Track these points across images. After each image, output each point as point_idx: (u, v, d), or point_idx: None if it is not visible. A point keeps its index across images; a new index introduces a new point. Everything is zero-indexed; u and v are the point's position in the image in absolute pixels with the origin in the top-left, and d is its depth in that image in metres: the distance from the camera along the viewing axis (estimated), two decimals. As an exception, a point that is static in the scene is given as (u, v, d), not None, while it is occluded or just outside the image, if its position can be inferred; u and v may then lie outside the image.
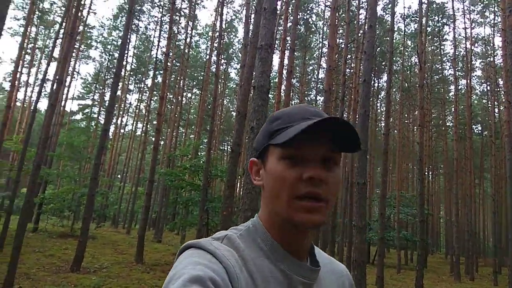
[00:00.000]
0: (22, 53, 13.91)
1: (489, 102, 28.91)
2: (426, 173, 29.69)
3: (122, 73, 33.65)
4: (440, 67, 30.39)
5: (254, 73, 4.78)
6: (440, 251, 43.39)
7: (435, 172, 39.04)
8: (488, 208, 38.20)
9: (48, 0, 27.97)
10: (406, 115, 32.28)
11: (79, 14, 19.93)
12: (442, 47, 30.73)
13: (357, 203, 7.41)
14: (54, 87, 9.31)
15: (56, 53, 20.04)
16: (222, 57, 31.45)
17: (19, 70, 28.76)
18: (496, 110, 27.82)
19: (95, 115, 33.72)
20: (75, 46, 27.98)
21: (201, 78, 34.08)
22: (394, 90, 33.27)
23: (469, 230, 19.97)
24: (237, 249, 0.68)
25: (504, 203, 25.15)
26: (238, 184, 19.84)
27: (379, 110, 33.27)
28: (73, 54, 28.43)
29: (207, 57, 30.62)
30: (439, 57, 30.13)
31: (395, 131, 29.97)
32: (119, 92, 34.68)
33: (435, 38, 29.16)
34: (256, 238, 0.72)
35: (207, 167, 8.69)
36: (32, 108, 14.08)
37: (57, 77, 9.01)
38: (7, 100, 12.99)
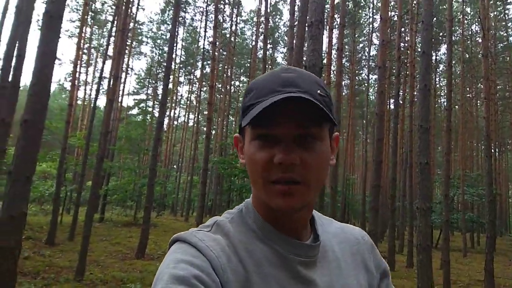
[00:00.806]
0: (79, 53, 14.60)
1: None
2: (492, 150, 27.63)
3: (172, 66, 34.61)
4: (505, 34, 27.86)
5: (304, 53, 4.56)
6: (510, 233, 40.52)
7: (502, 149, 36.25)
8: None
9: (100, 0, 29.17)
10: (468, 89, 30.09)
11: (129, 11, 20.61)
12: (507, 11, 28.08)
13: (420, 185, 6.99)
14: (111, 84, 9.68)
15: (110, 51, 20.93)
16: (268, 41, 31.19)
17: (78, 70, 30.62)
18: None
19: (150, 109, 35.01)
20: (127, 42, 29.11)
21: (248, 65, 34.07)
22: (454, 62, 31.16)
23: (546, 209, 18.32)
24: (226, 235, 0.65)
25: None
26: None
27: (438, 85, 31.37)
28: (126, 51, 29.59)
29: (253, 43, 30.50)
30: (504, 23, 27.60)
31: (457, 106, 28.10)
32: (170, 85, 35.75)
33: (498, 2, 26.69)
34: (247, 220, 0.68)
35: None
36: (92, 105, 14.84)
37: (113, 73, 9.34)
38: (69, 99, 13.78)
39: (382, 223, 22.22)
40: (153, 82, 37.18)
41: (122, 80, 27.32)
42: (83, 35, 24.72)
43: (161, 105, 10.27)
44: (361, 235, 0.80)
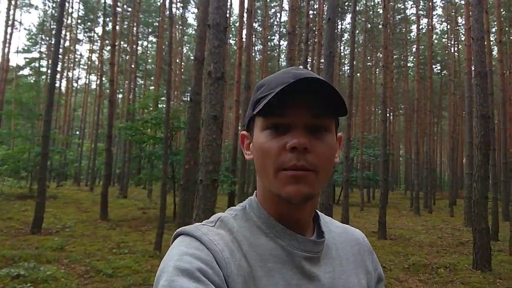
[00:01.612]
0: None
1: (449, 41, 29.31)
2: (387, 114, 30.46)
3: (69, 21, 31.09)
4: (403, 6, 30.13)
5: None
6: (400, 187, 45.95)
7: (396, 113, 40.22)
8: (446, 144, 40.24)
9: None
10: (369, 58, 32.29)
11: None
12: (404, -16, 30.28)
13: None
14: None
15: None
16: None
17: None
18: (455, 48, 28.33)
19: (44, 69, 31.38)
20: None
21: (157, 24, 32.09)
22: (357, 31, 33.01)
23: (428, 167, 20.94)
24: (230, 231, 0.65)
25: (460, 139, 26.46)
26: (201, 136, 19.44)
27: (342, 53, 33.08)
28: (12, 2, 25.66)
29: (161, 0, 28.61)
30: (401, -4, 29.78)
31: (358, 74, 30.06)
32: (67, 43, 32.27)
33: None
34: (252, 216, 0.69)
35: (167, 119, 8.22)
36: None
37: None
38: None
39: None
40: (47, 39, 33.17)
41: (8, 35, 23.79)
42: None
43: (53, 65, 9.11)
44: (361, 236, 0.82)
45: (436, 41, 33.02)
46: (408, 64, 32.34)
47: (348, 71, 16.08)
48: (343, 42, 30.93)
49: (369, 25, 27.34)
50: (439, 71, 33.90)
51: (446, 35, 30.70)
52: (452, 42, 27.84)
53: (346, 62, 34.55)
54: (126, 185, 22.54)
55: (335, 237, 0.75)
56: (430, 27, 21.96)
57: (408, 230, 13.10)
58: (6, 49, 23.58)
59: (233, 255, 0.61)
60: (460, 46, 26.75)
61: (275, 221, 0.67)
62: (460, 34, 26.09)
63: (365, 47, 26.62)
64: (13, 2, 25.61)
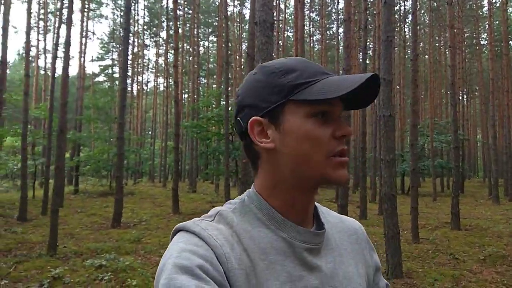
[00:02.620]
0: (30, 19, 13.68)
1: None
2: (460, 97, 28.34)
3: (136, 28, 33.11)
4: (471, -20, 27.77)
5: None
6: (478, 175, 42.61)
7: (470, 95, 37.24)
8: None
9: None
10: (437, 38, 30.23)
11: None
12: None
13: (384, 137, 7.08)
14: (64, 50, 9.15)
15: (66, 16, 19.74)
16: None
17: (36, 37, 28.91)
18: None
19: (117, 75, 33.81)
20: (85, 5, 27.49)
21: (216, 24, 32.96)
22: (422, 11, 31.03)
23: (508, 151, 19.21)
24: (230, 225, 0.65)
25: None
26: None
27: (408, 36, 31.33)
28: (85, 14, 27.99)
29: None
30: (470, -32, 27.41)
31: (426, 56, 28.28)
32: (135, 49, 34.39)
33: None
34: (252, 208, 0.68)
35: (226, 115, 8.51)
36: (50, 74, 14.13)
37: (64, 38, 8.81)
38: (25, 69, 13.05)
39: (355, 176, 22.88)
40: (118, 46, 35.66)
41: (83, 45, 26.01)
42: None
43: (122, 71, 9.85)
44: (358, 226, 0.83)
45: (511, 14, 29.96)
46: (482, 42, 29.73)
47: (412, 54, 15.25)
48: (407, 24, 29.26)
49: (435, 4, 25.55)
50: (517, 47, 30.69)
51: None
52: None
53: (411, 44, 32.68)
54: (195, 180, 23.61)
55: (332, 227, 0.76)
56: (504, 0, 19.97)
57: (485, 220, 12.20)
58: (82, 59, 25.86)
59: (233, 249, 0.61)
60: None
61: (277, 213, 0.67)
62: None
63: (431, 27, 24.95)
64: (85, 14, 27.92)
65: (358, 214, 12.43)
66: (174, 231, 0.65)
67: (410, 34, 32.23)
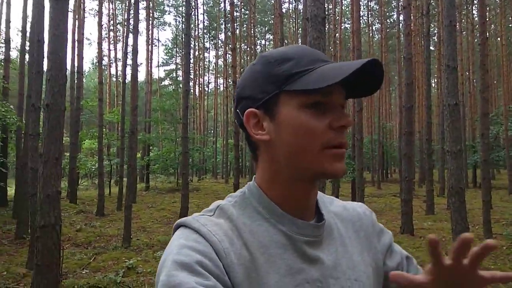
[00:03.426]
0: (101, 30, 14.87)
1: None
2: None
3: (196, 32, 34.38)
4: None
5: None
6: None
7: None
8: None
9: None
10: (510, 18, 27.73)
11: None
12: None
13: (450, 127, 6.77)
14: (132, 58, 9.88)
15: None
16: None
17: (108, 47, 31.21)
18: None
19: (180, 78, 35.45)
20: (150, 14, 29.13)
21: (272, 22, 33.18)
22: (493, -10, 28.63)
23: None
24: (230, 219, 0.65)
25: None
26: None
27: (476, 18, 29.11)
28: (150, 23, 29.67)
29: (275, -2, 29.47)
30: None
31: (498, 39, 26.10)
32: (196, 52, 35.71)
33: None
34: (252, 202, 0.67)
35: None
36: (121, 81, 15.26)
37: (132, 46, 9.51)
38: (98, 77, 14.25)
39: (420, 168, 21.80)
40: (180, 51, 37.31)
41: (150, 52, 27.59)
42: (104, 11, 24.97)
43: (185, 74, 10.39)
44: (363, 210, 0.80)
45: None
46: None
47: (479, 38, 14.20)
48: (475, 6, 27.18)
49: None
50: None
51: None
52: None
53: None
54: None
55: (334, 217, 0.74)
56: None
57: None
58: (149, 65, 27.47)
59: (233, 244, 0.61)
60: None
61: (276, 206, 0.66)
62: None
63: (502, 7, 22.96)
64: (150, 23, 29.58)
65: (424, 209, 11.93)
66: (176, 226, 0.65)
67: (478, 16, 29.97)
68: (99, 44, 14.15)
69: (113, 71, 33.18)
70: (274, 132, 0.65)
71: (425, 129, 14.46)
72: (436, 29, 22.66)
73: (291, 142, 0.63)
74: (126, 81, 15.07)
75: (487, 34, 12.79)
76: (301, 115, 0.62)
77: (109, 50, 31.44)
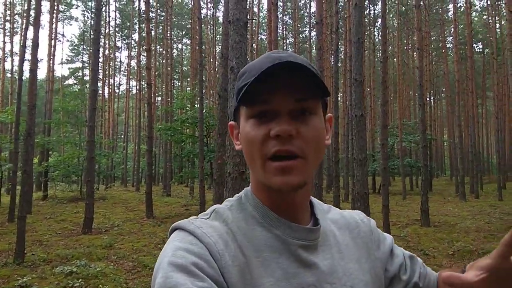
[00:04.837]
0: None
1: (490, 18, 27.71)
2: (427, 99, 29.31)
3: (107, 30, 32.44)
4: (438, -15, 28.84)
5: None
6: (445, 174, 44.12)
7: (437, 97, 38.55)
8: (491, 126, 38.12)
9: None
10: (405, 41, 31.21)
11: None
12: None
13: (356, 136, 7.25)
14: (31, 52, 8.89)
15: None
16: None
17: (3, 39, 27.88)
18: (497, 25, 26.73)
19: (87, 77, 33.06)
20: (54, 7, 26.70)
21: (189, 26, 32.79)
22: (391, 15, 31.93)
23: (473, 150, 20.02)
24: (225, 222, 0.65)
25: (507, 119, 25.02)
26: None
27: (377, 39, 32.18)
28: (54, 16, 27.19)
29: (192, 2, 29.20)
30: (436, -26, 28.49)
31: (394, 59, 29.11)
32: (107, 51, 33.70)
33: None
34: (247, 206, 0.68)
35: (201, 117, 8.49)
36: (17, 77, 13.68)
37: (32, 40, 8.54)
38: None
39: (328, 176, 23.23)
40: (88, 48, 34.85)
41: (52, 47, 25.25)
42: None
43: (93, 72, 9.65)
44: (360, 217, 0.81)
45: (476, 18, 31.31)
46: (447, 45, 30.95)
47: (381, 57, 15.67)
48: (376, 28, 30.04)
49: (403, 8, 26.39)
50: (480, 50, 32.13)
51: (486, 11, 29.01)
52: (494, 19, 26.27)
53: (380, 47, 33.62)
54: (169, 184, 23.31)
55: (332, 224, 0.74)
56: (468, 4, 20.86)
57: (453, 216, 12.66)
58: (51, 61, 25.09)
59: (228, 246, 0.61)
60: (503, 22, 25.22)
61: (269, 211, 0.66)
62: (502, 9, 24.58)
63: (399, 30, 25.73)
64: (54, 16, 27.13)
65: (332, 214, 12.64)
66: (171, 230, 0.65)
67: (380, 37, 33.20)
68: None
69: (7, 66, 29.74)
70: (241, 143, 0.68)
71: (333, 139, 15.38)
72: (343, 46, 24.44)
73: (245, 153, 0.66)
74: (23, 77, 13.50)
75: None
76: (246, 125, 0.64)
77: (4, 42, 28.18)
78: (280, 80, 0.61)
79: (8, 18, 28.39)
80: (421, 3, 14.01)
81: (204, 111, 11.94)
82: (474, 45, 27.86)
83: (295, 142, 0.61)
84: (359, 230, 0.77)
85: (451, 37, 30.29)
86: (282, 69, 0.60)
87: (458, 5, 26.11)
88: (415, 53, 31.54)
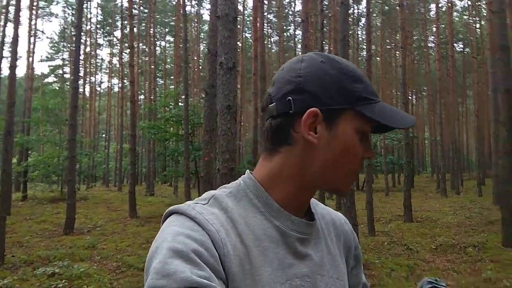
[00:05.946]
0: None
1: (470, 18, 28.33)
2: (410, 97, 29.80)
3: (88, 27, 31.83)
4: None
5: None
6: (427, 170, 44.98)
7: (418, 95, 39.26)
8: (471, 124, 39.06)
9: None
10: (388, 41, 31.61)
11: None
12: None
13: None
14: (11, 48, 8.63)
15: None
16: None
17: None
18: (478, 25, 27.33)
19: (68, 75, 32.34)
20: (34, 3, 26.03)
21: (173, 23, 32.44)
22: (374, 15, 32.31)
23: (454, 147, 20.46)
24: (225, 210, 0.64)
25: (486, 118, 25.65)
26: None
27: (360, 38, 32.52)
28: (33, 12, 26.49)
29: (176, -1, 28.87)
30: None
31: (378, 58, 29.47)
32: (88, 49, 33.07)
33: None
34: (248, 194, 0.67)
35: (186, 115, 8.38)
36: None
37: (12, 37, 8.29)
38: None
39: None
40: (69, 45, 34.10)
41: (32, 44, 24.62)
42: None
43: (74, 70, 9.42)
44: (344, 219, 0.84)
45: (457, 18, 31.96)
46: (429, 45, 31.48)
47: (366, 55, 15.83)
48: (360, 27, 30.33)
49: (386, 7, 26.73)
50: (461, 49, 32.84)
51: (467, 11, 29.64)
52: (474, 19, 26.88)
53: (364, 46, 33.98)
54: (152, 183, 23.04)
55: (320, 218, 0.77)
56: (449, 4, 21.27)
57: (435, 212, 12.90)
58: (30, 59, 24.47)
59: (229, 235, 0.60)
60: (482, 22, 25.82)
61: (273, 201, 0.67)
62: (482, 9, 25.17)
63: (382, 29, 26.06)
64: (34, 12, 26.44)
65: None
66: (167, 213, 0.63)
67: (363, 36, 33.56)
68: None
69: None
70: (325, 140, 0.65)
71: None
72: (327, 45, 24.59)
73: (336, 156, 0.66)
74: (1, 75, 13.14)
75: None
76: (355, 137, 0.66)
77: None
78: None
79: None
80: (404, 2, 14.21)
81: (189, 109, 11.82)
82: (455, 44, 28.43)
83: None
84: (343, 228, 0.81)
85: (433, 37, 30.80)
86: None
87: (440, 5, 26.63)
88: (397, 52, 32.08)
